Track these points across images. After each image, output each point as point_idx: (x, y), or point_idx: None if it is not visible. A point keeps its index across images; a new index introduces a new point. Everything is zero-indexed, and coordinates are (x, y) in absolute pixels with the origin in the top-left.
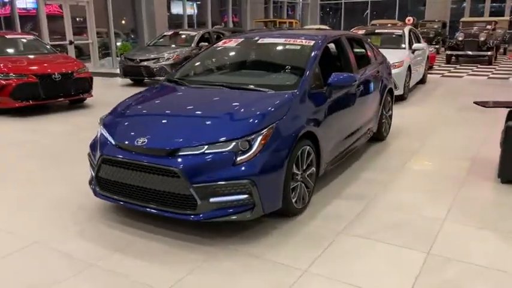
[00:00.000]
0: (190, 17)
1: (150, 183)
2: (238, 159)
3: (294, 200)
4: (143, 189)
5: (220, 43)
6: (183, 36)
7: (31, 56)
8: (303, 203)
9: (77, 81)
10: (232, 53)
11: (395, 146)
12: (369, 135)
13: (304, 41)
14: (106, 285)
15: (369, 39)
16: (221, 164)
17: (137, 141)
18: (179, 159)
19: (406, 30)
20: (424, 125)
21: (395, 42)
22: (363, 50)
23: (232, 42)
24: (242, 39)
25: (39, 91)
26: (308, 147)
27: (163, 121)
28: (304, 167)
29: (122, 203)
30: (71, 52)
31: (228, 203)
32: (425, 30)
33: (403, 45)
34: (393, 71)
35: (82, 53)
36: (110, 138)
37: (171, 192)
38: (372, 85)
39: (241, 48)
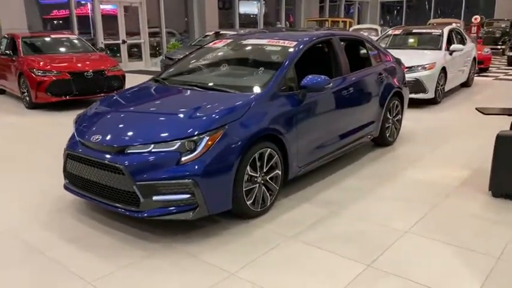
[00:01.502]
0: (247, 16)
1: (103, 179)
2: (183, 159)
3: (249, 202)
4: (98, 184)
5: (210, 44)
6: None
7: (68, 55)
8: (263, 206)
9: (108, 79)
10: (216, 54)
11: (398, 152)
12: (365, 140)
13: (286, 42)
14: (42, 272)
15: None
16: (165, 163)
17: (93, 138)
18: (125, 157)
19: (446, 30)
20: (444, 131)
21: (432, 43)
22: (364, 51)
23: (221, 43)
24: (231, 39)
25: (72, 87)
26: (269, 149)
27: (121, 119)
28: (265, 170)
29: (83, 197)
30: (124, 51)
31: (171, 202)
32: (490, 29)
33: (440, 46)
34: (422, 74)
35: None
36: (75, 135)
37: (118, 189)
38: (369, 88)
39: (226, 49)
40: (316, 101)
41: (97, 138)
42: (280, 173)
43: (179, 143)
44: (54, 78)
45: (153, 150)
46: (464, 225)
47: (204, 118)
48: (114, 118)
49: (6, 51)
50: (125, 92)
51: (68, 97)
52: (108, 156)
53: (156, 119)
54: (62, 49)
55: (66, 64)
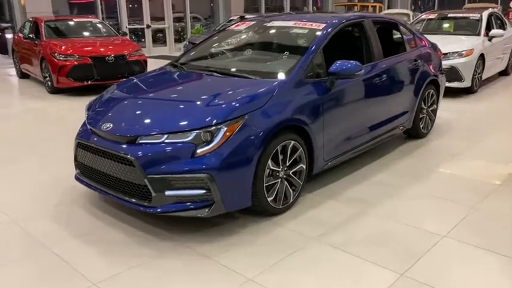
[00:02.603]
0: (273, 1)
1: (113, 171)
2: (199, 151)
3: (270, 199)
4: (109, 176)
5: (232, 26)
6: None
7: (91, 39)
8: (285, 203)
9: (130, 64)
10: (238, 37)
11: (433, 146)
12: (397, 132)
13: (314, 24)
14: (44, 270)
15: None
16: (179, 155)
17: (103, 126)
18: (136, 148)
19: (485, 14)
20: (482, 123)
21: (470, 28)
22: (397, 36)
23: (244, 25)
24: (253, 22)
25: (93, 72)
26: (293, 142)
27: (134, 107)
28: (288, 164)
29: (94, 189)
30: (148, 36)
31: (184, 198)
32: None
33: (478, 32)
34: (458, 61)
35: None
36: (86, 122)
37: (129, 182)
38: (402, 75)
39: (249, 32)
40: (346, 89)
41: (107, 127)
42: (304, 167)
43: (194, 134)
44: (75, 62)
45: (166, 140)
46: (510, 230)
47: (223, 106)
48: (126, 105)
49: (29, 35)
50: (140, 78)
51: (89, 82)
52: (118, 146)
53: (171, 107)
54: (85, 33)
55: (87, 48)
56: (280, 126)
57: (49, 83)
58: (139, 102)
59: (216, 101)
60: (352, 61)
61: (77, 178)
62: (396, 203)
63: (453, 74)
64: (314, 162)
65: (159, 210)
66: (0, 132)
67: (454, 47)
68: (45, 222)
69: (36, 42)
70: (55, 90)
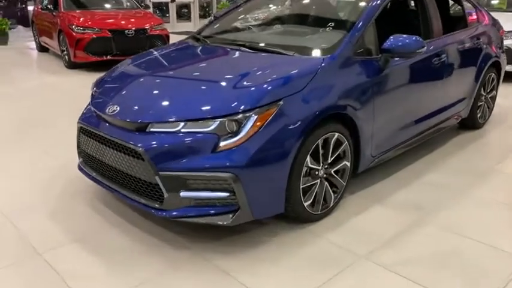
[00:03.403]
0: None
1: (120, 164)
2: (222, 144)
3: (307, 203)
4: (114, 169)
5: None
6: None
7: (111, 11)
8: (324, 207)
9: (151, 38)
10: (272, 6)
11: (490, 139)
12: (452, 122)
13: None
14: (30, 281)
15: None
16: (198, 148)
17: (109, 109)
18: (146, 137)
19: None
20: None
21: None
22: (458, 9)
23: None
24: None
25: (112, 46)
26: (338, 134)
27: (147, 86)
28: (330, 160)
29: (98, 182)
30: (172, 11)
31: (203, 201)
32: None
33: None
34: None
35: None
36: (90, 103)
37: (138, 178)
38: (463, 56)
39: (285, 0)
40: (401, 70)
41: (113, 110)
42: (349, 164)
43: (218, 122)
44: (93, 35)
45: (183, 130)
46: None
47: (252, 89)
48: (137, 84)
49: (48, 6)
50: (157, 52)
51: (108, 57)
52: (125, 134)
53: (190, 88)
54: (106, 5)
55: (107, 21)
56: (322, 115)
57: (66, 57)
58: (154, 81)
59: (244, 82)
60: (412, 36)
61: (80, 168)
62: (457, 210)
63: (509, 56)
64: (360, 159)
65: (172, 214)
66: (10, 109)
67: (510, 26)
68: (41, 219)
69: (54, 13)
70: (72, 65)
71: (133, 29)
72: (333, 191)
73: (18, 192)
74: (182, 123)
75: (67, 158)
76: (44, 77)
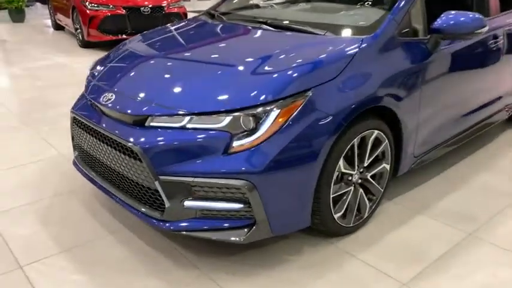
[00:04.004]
0: None
1: (116, 163)
2: (236, 144)
3: (338, 215)
4: (111, 169)
5: None
6: None
7: None
8: (357, 219)
9: (167, 16)
10: None
11: None
12: (503, 116)
13: None
14: None
15: None
16: (206, 149)
17: (103, 98)
18: (145, 133)
19: None
20: None
21: None
22: None
23: None
24: None
25: (127, 25)
26: (377, 131)
27: (150, 71)
28: (367, 163)
29: (93, 182)
30: None
31: (211, 213)
32: None
33: None
34: None
35: None
36: (85, 89)
37: (136, 182)
38: None
39: None
40: (451, 54)
41: (108, 99)
42: (388, 167)
43: (230, 118)
44: (107, 13)
45: (188, 125)
46: None
47: (275, 77)
48: (139, 68)
49: None
50: (165, 30)
51: (122, 36)
52: (120, 128)
53: (200, 74)
54: None
55: None
56: (360, 109)
57: (80, 35)
58: (157, 64)
59: (264, 67)
60: (468, 13)
61: (74, 164)
62: None
63: None
64: (401, 159)
65: (175, 226)
66: (17, 90)
67: None
68: (30, 221)
69: None
70: (86, 44)
71: (150, 6)
72: (368, 199)
73: (6, 190)
74: (187, 118)
75: (66, 147)
76: (57, 57)
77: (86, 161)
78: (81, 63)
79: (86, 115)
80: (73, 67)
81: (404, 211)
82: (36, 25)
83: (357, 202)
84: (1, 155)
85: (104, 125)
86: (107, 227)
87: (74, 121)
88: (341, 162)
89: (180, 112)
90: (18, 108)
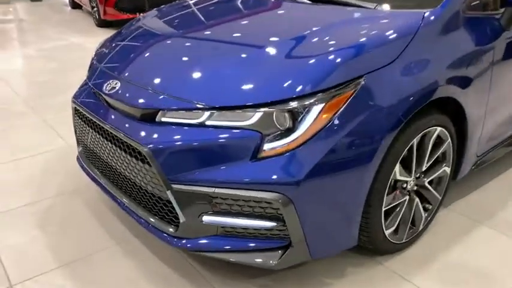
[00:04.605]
0: None
1: (122, 165)
2: (267, 147)
3: (390, 231)
4: (116, 171)
5: None
6: None
7: None
8: (411, 233)
9: None
10: None
11: None
12: None
13: None
14: None
15: None
16: (230, 152)
17: (107, 86)
18: (156, 131)
19: None
20: None
21: None
22: None
23: None
24: None
25: (145, 2)
26: (440, 128)
27: (164, 53)
28: (425, 167)
29: (98, 184)
30: None
31: (236, 231)
32: None
33: None
34: None
35: None
36: (87, 75)
37: (145, 189)
38: None
39: None
40: None
41: (112, 87)
42: (448, 170)
43: (261, 114)
44: None
45: (208, 122)
46: None
47: (315, 62)
48: (151, 50)
49: None
50: (184, 4)
51: (140, 14)
52: (125, 124)
53: (223, 59)
54: None
55: None
56: (422, 101)
57: (96, 14)
58: (173, 45)
59: (303, 49)
60: None
61: (78, 160)
62: None
63: None
64: (463, 160)
65: (195, 244)
66: (28, 73)
67: None
68: (27, 227)
69: None
70: (103, 23)
71: None
72: (424, 209)
73: (4, 187)
74: (207, 113)
75: (74, 139)
76: (72, 37)
77: (89, 158)
78: (96, 44)
79: (88, 106)
80: (88, 48)
81: (464, 222)
82: (54, 4)
83: (412, 214)
84: (2, 146)
85: (106, 119)
86: (113, 236)
87: (76, 112)
88: (397, 168)
89: (199, 106)
90: (28, 92)
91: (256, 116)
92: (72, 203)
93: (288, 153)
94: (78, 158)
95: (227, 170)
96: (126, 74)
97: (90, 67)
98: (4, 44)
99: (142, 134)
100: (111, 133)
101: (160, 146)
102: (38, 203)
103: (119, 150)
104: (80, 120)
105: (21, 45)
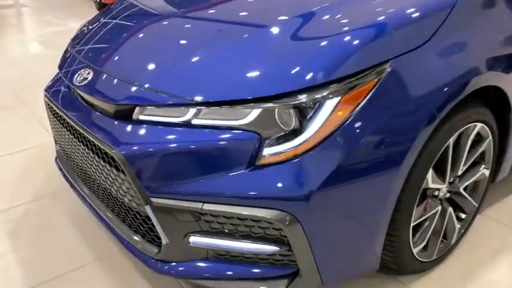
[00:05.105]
0: None
1: (96, 172)
2: (268, 152)
3: (418, 249)
4: (93, 179)
5: None
6: None
7: None
8: (443, 248)
9: None
10: None
11: None
12: None
13: None
14: None
15: None
16: (221, 158)
17: (78, 76)
18: (132, 131)
19: None
20: None
21: None
22: None
23: None
24: None
25: None
26: (480, 124)
27: (147, 36)
28: (461, 171)
29: (75, 190)
30: None
31: (232, 255)
32: None
33: None
34: None
35: None
36: (59, 63)
37: (122, 201)
38: None
39: None
40: None
41: (84, 78)
42: (488, 173)
43: (259, 111)
44: None
45: (194, 121)
46: None
47: (326, 45)
48: (134, 33)
49: None
50: None
51: None
52: (97, 122)
53: (214, 43)
54: None
55: None
56: (462, 93)
57: None
58: (158, 27)
59: (312, 29)
60: None
61: (56, 161)
62: None
63: None
64: (503, 159)
65: (180, 270)
66: (19, 61)
67: None
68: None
69: None
70: (103, 6)
71: None
72: (458, 218)
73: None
74: (193, 110)
75: None
76: (72, 22)
77: (67, 159)
78: None
79: (58, 100)
80: None
81: (502, 230)
82: None
83: (444, 226)
84: None
85: (77, 116)
86: (94, 250)
87: (48, 106)
88: (430, 174)
89: (183, 100)
90: (20, 82)
91: (254, 113)
92: (49, 210)
93: (294, 160)
94: (56, 159)
95: (218, 181)
96: (102, 62)
97: (64, 53)
98: (1, 30)
99: (115, 135)
100: (81, 133)
101: (136, 151)
102: (10, 210)
103: (91, 153)
104: (52, 116)
105: (20, 32)
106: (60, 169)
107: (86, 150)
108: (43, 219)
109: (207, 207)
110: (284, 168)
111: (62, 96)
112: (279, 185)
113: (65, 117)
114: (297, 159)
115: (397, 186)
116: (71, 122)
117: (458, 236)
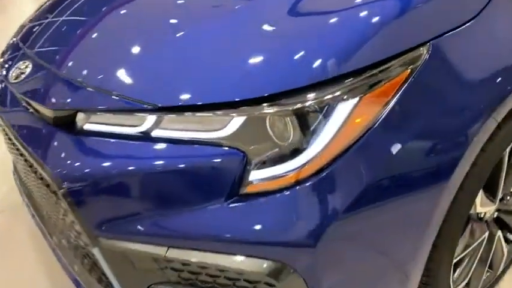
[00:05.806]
0: None
1: (38, 196)
2: (256, 176)
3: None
4: (39, 201)
5: None
6: None
7: None
8: (487, 281)
9: None
10: None
11: None
12: None
13: None
14: None
15: None
16: (192, 186)
17: (14, 71)
18: (74, 144)
19: None
20: None
21: None
22: None
23: None
24: None
25: None
26: None
27: (101, 20)
28: None
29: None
30: None
31: None
32: None
33: None
34: None
35: None
36: None
37: (68, 235)
38: None
39: None
40: None
41: (20, 73)
42: None
43: (243, 119)
44: None
45: (155, 132)
46: None
47: (335, 23)
48: (87, 16)
49: None
50: None
51: None
52: (33, 132)
53: (186, 27)
54: None
55: None
56: None
57: None
58: (120, 8)
59: (316, 4)
60: None
61: (14, 174)
62: None
63: None
64: None
65: None
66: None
67: None
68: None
69: None
70: None
71: None
72: (506, 240)
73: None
74: (153, 117)
75: None
76: None
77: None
78: None
79: None
80: None
81: None
82: None
83: (491, 253)
84: None
85: (11, 120)
86: (56, 281)
87: None
88: (480, 196)
89: (139, 105)
90: None
91: (236, 121)
92: (10, 227)
93: (294, 189)
94: (13, 171)
95: (188, 218)
96: (45, 53)
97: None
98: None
99: (51, 149)
100: (18, 143)
101: (76, 171)
102: None
103: (29, 170)
104: None
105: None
106: (16, 182)
107: (26, 165)
108: (1, 238)
109: (173, 253)
110: (280, 199)
111: (1, 95)
112: (272, 223)
113: (1, 123)
114: (298, 187)
115: (440, 213)
116: (6, 128)
117: (508, 262)
